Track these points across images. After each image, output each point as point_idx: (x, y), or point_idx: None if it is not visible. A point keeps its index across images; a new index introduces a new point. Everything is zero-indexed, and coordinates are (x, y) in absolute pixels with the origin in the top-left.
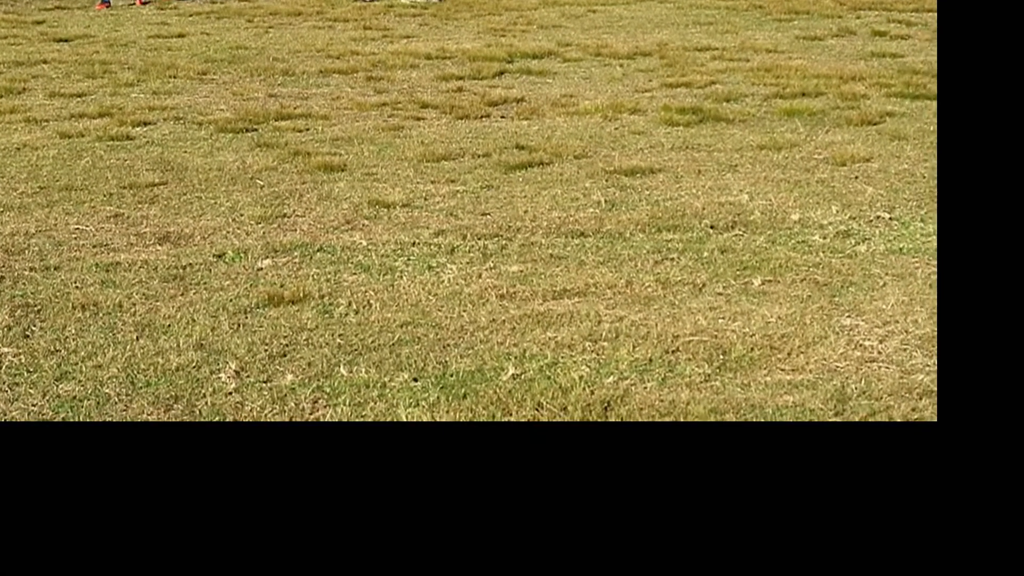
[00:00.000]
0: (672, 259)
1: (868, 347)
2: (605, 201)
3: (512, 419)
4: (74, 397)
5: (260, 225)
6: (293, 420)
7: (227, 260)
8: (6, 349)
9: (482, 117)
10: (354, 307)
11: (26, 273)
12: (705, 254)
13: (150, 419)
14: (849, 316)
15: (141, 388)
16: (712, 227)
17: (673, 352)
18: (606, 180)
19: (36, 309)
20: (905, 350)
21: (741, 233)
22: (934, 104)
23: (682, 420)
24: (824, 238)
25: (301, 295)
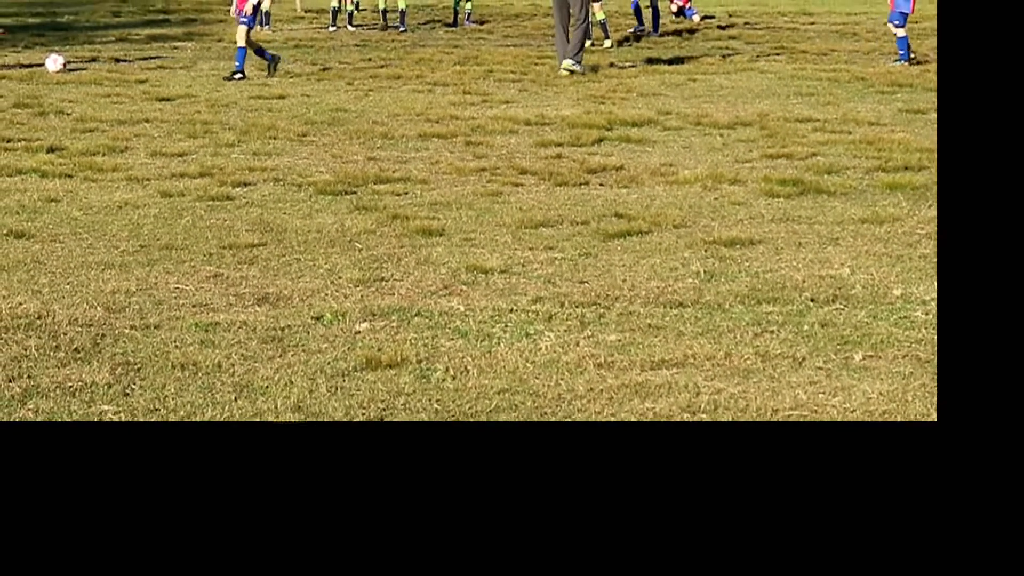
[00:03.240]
0: (772, 332)
1: None
2: (704, 272)
3: None
4: None
5: (358, 288)
6: None
7: (325, 323)
8: (107, 407)
9: (581, 184)
10: (451, 373)
11: (127, 331)
12: (805, 327)
13: None
14: None
15: None
16: (812, 300)
17: None
18: (705, 250)
19: (136, 367)
20: None
21: (842, 307)
22: None
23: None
24: (927, 314)
25: (399, 359)
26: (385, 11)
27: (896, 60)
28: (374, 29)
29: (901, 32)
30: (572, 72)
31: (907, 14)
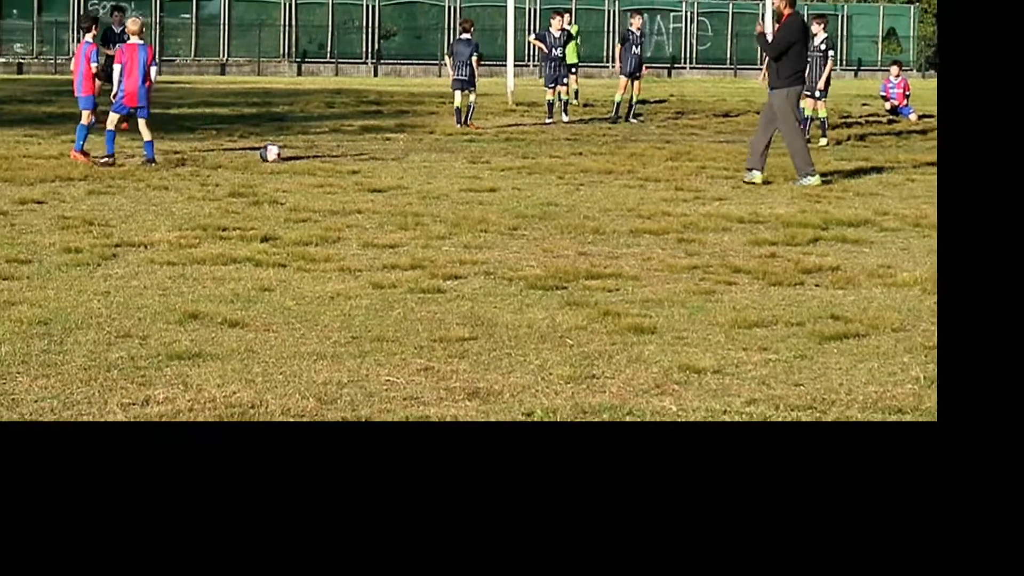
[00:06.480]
0: None
1: None
2: (924, 377)
3: None
4: None
5: (569, 385)
6: None
7: (536, 419)
8: None
9: (796, 284)
10: None
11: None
12: None
13: None
14: None
15: None
16: None
17: None
18: (925, 356)
19: None
20: None
21: None
22: None
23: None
24: None
25: None
26: (619, 103)
27: None
28: (585, 122)
29: None
30: (751, 183)
31: None
